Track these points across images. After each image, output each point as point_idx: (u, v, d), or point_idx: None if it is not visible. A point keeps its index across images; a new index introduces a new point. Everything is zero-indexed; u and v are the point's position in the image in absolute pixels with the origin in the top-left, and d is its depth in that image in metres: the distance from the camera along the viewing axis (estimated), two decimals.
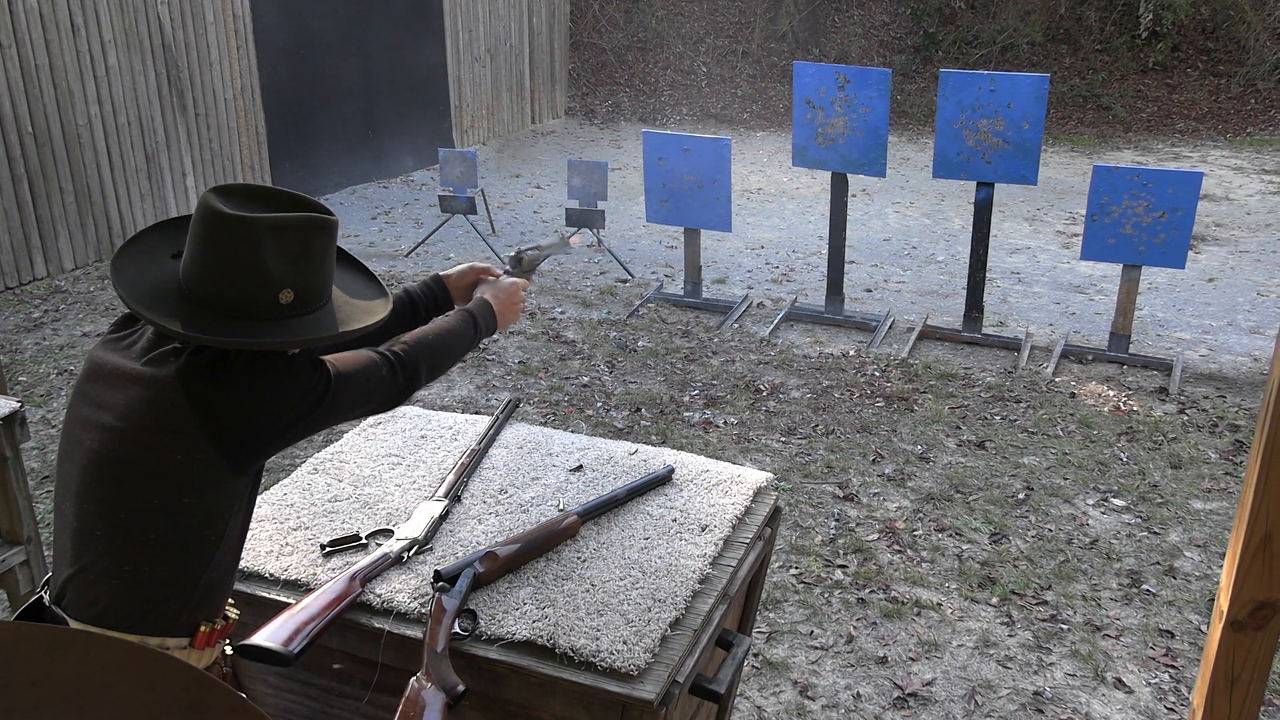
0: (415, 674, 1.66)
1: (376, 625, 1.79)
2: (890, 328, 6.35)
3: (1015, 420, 5.10)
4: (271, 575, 1.92)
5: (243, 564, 1.93)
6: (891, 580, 3.76)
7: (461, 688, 1.64)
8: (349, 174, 9.76)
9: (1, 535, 2.95)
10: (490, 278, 2.15)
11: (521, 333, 6.15)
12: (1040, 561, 3.89)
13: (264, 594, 1.89)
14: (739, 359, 5.83)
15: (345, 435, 2.48)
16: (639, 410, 5.13)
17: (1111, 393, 5.42)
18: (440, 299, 2.11)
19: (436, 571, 1.81)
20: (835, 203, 6.36)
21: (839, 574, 3.79)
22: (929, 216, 9.09)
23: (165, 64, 7.65)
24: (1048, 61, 13.10)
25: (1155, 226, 5.51)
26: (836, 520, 4.14)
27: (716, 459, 2.41)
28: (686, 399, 5.29)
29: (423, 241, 7.96)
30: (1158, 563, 3.91)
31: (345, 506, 2.13)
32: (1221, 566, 3.43)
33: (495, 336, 6.08)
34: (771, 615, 3.55)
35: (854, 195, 9.15)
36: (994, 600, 3.65)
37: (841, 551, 3.94)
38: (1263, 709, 3.02)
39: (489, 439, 2.38)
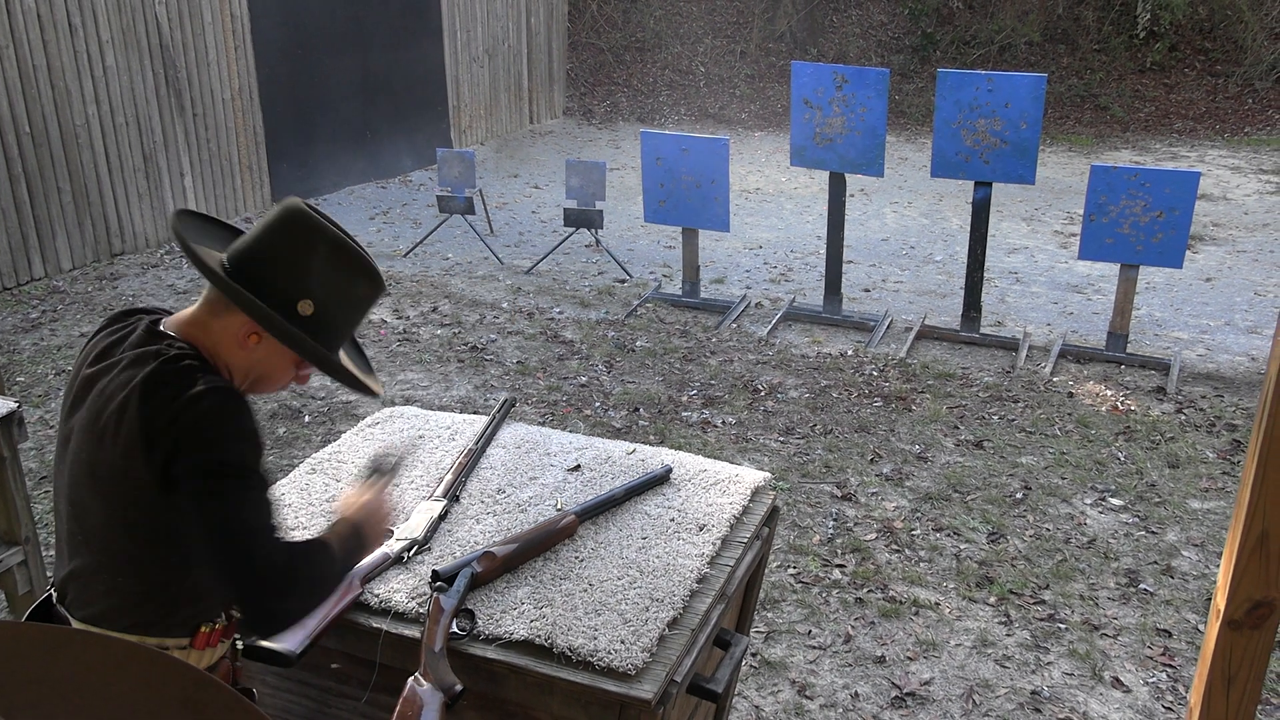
0: (413, 673, 1.66)
1: (374, 625, 1.79)
2: (888, 327, 6.35)
3: (1013, 420, 5.10)
4: None
5: None
6: (889, 580, 3.76)
7: (459, 687, 1.64)
8: (347, 174, 9.76)
9: None
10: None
11: (519, 333, 6.15)
12: (1038, 561, 3.90)
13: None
14: (737, 359, 5.84)
15: (343, 435, 2.48)
16: (637, 410, 5.13)
17: (1109, 392, 5.42)
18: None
19: (434, 571, 1.81)
20: (833, 203, 6.36)
21: (837, 573, 3.80)
22: (927, 216, 9.10)
23: (163, 64, 7.64)
24: (1045, 61, 13.11)
25: (1153, 226, 5.52)
26: (834, 520, 4.15)
27: (714, 459, 2.41)
28: (684, 399, 5.29)
29: (421, 242, 7.96)
30: (1155, 562, 3.91)
31: None
32: (1219, 566, 3.44)
33: (494, 336, 6.09)
34: (769, 615, 3.55)
35: (852, 195, 9.15)
36: (992, 600, 3.66)
37: (839, 551, 3.94)
38: (1260, 707, 3.03)
39: (486, 439, 2.38)
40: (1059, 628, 3.51)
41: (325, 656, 1.89)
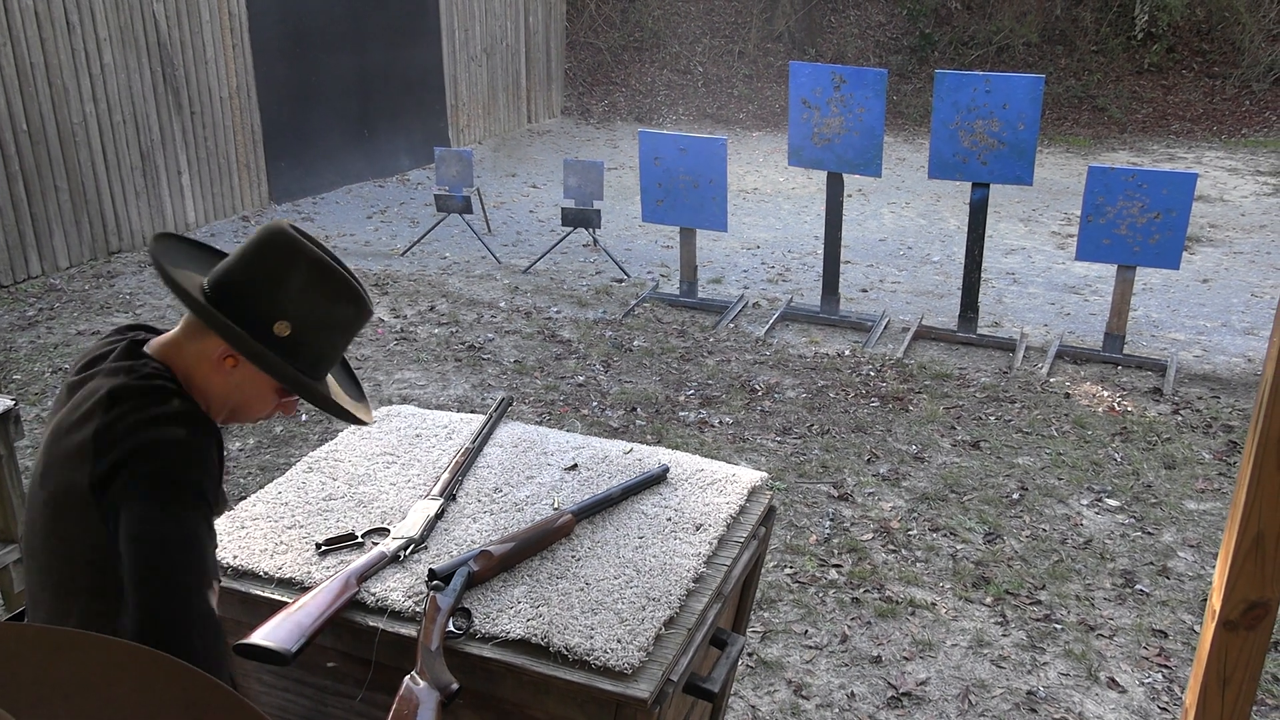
0: (409, 672, 1.66)
1: (371, 623, 1.79)
2: (885, 328, 6.35)
3: (1010, 420, 5.10)
4: (266, 574, 1.92)
5: (237, 563, 1.93)
6: (886, 580, 3.76)
7: (455, 686, 1.64)
8: (344, 172, 9.75)
9: None
10: None
11: (517, 332, 6.15)
12: (1034, 561, 3.90)
13: (258, 592, 1.88)
14: (734, 359, 5.84)
15: (340, 434, 2.48)
16: (634, 410, 5.13)
17: (1106, 393, 5.43)
18: None
19: (431, 570, 1.81)
20: (831, 203, 6.37)
21: (833, 573, 3.80)
22: (924, 217, 9.10)
23: (161, 62, 7.63)
24: (1043, 62, 13.13)
25: (1150, 227, 5.53)
26: (831, 520, 4.15)
27: (711, 458, 2.41)
28: (682, 398, 5.29)
29: (418, 241, 7.95)
30: (1151, 563, 3.92)
31: (340, 505, 2.13)
32: (1214, 566, 3.44)
33: (491, 335, 6.09)
34: (766, 614, 3.55)
35: (850, 195, 9.17)
36: (988, 600, 3.66)
37: (836, 551, 3.94)
38: (1255, 708, 3.03)
39: (483, 437, 2.38)
40: (1055, 628, 3.52)
41: (321, 655, 1.89)
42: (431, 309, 6.51)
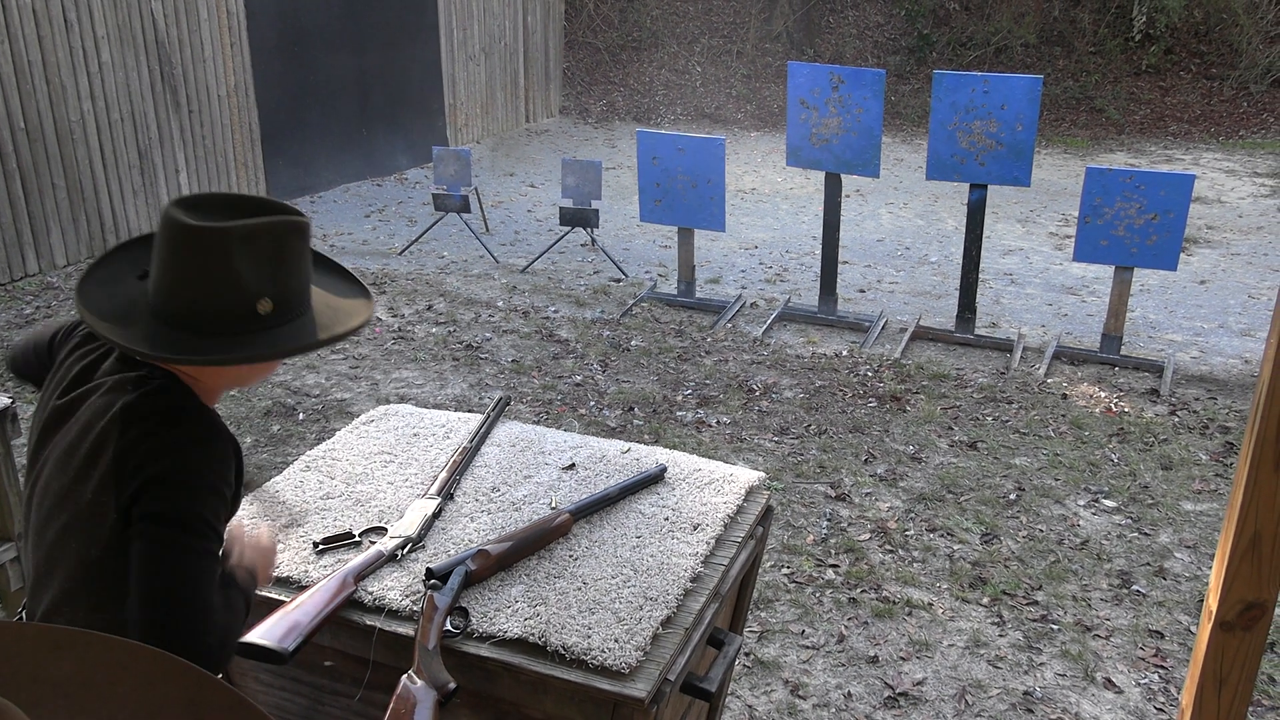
0: (407, 671, 1.66)
1: (368, 623, 1.79)
2: (883, 328, 6.36)
3: (1007, 421, 5.11)
4: None
5: None
6: (883, 580, 3.77)
7: (453, 685, 1.64)
8: (342, 171, 9.74)
9: None
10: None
11: (515, 331, 6.15)
12: (1031, 562, 3.91)
13: (256, 591, 1.88)
14: (732, 359, 5.84)
15: (338, 433, 2.48)
16: (632, 409, 5.13)
17: (1103, 394, 5.43)
18: None
19: (428, 569, 1.81)
20: (829, 203, 6.37)
21: (830, 574, 3.80)
22: (922, 217, 9.11)
23: (159, 60, 7.63)
24: (1041, 63, 13.14)
25: (1147, 228, 5.53)
26: (828, 520, 4.15)
27: (709, 458, 2.41)
28: (679, 398, 5.30)
29: (416, 240, 7.95)
30: (1148, 563, 3.92)
31: (337, 504, 2.13)
32: (1211, 567, 3.45)
33: (489, 335, 6.09)
34: (763, 614, 3.55)
35: (848, 196, 9.17)
36: (985, 600, 3.67)
37: (833, 551, 3.94)
38: (1251, 709, 3.04)
39: (481, 437, 2.38)
40: (1052, 628, 3.52)
41: (318, 654, 1.89)
42: (429, 308, 6.51)
